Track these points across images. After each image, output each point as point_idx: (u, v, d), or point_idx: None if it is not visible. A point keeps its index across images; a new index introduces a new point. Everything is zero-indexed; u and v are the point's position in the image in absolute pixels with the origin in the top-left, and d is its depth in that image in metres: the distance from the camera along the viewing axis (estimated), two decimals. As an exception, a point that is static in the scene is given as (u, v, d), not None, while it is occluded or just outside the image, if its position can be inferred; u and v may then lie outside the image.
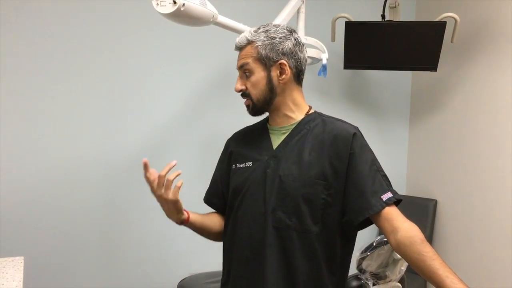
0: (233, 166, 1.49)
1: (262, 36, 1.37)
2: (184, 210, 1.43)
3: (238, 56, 1.41)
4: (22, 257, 1.86)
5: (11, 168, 2.20)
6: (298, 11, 2.30)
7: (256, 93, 1.38)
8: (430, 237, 2.73)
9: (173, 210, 1.40)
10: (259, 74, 1.37)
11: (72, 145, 2.30)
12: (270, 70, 1.37)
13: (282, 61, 1.37)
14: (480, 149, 2.48)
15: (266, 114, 1.53)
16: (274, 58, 1.36)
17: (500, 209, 2.35)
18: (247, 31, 1.39)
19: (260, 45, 1.36)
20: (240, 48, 1.40)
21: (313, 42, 2.29)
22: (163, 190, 1.37)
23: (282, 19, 2.08)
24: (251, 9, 2.54)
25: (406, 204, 2.78)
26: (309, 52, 2.24)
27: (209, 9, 1.58)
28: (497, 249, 2.36)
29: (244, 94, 1.40)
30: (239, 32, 1.86)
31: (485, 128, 2.45)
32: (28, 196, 2.23)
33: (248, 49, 1.37)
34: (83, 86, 2.31)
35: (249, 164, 1.44)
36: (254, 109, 1.41)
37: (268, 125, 1.50)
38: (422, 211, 2.77)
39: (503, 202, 2.33)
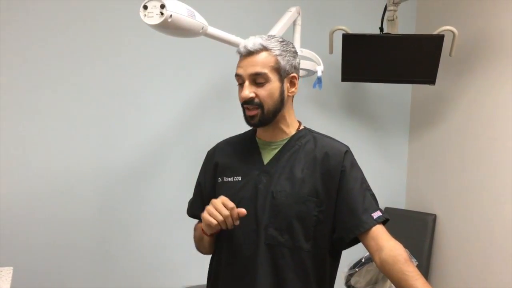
0: (219, 179, 1.46)
1: (278, 46, 1.34)
2: None
3: (246, 61, 1.32)
4: (11, 268, 1.84)
5: (1, 175, 2.20)
6: (294, 23, 2.29)
7: (270, 103, 1.33)
8: (429, 252, 2.69)
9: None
10: (275, 84, 1.33)
11: (66, 153, 2.30)
12: (283, 82, 1.36)
13: (294, 74, 1.38)
14: (480, 163, 2.45)
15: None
16: (288, 70, 1.36)
17: (501, 224, 2.30)
18: (256, 37, 1.34)
19: (279, 55, 1.33)
20: (251, 52, 1.32)
21: (308, 54, 2.28)
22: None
23: (277, 30, 2.07)
24: (245, 20, 2.54)
25: (405, 219, 2.78)
26: (305, 64, 2.23)
27: (198, 21, 1.57)
28: (498, 265, 2.31)
29: (252, 102, 1.32)
30: (231, 44, 1.86)
31: (485, 141, 2.42)
32: (19, 204, 2.23)
33: (265, 56, 1.31)
34: (79, 94, 2.31)
35: (238, 178, 1.41)
36: (261, 120, 1.34)
37: (256, 138, 1.47)
38: (421, 226, 2.73)
39: (504, 217, 2.29)
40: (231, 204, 1.26)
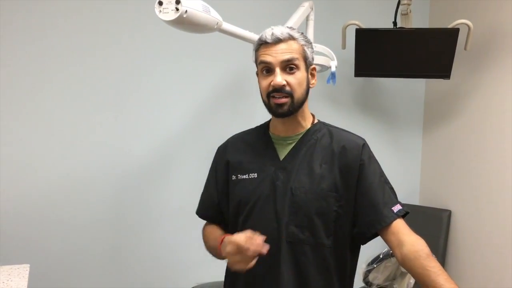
0: (233, 177, 1.43)
1: (301, 36, 1.34)
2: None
3: (275, 49, 1.30)
4: (28, 265, 1.85)
5: (19, 175, 2.21)
6: (307, 18, 2.27)
7: (299, 91, 1.32)
8: (444, 249, 2.66)
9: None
10: (303, 73, 1.33)
11: (80, 152, 2.31)
12: (308, 72, 1.36)
13: (314, 66, 1.39)
14: (495, 158, 2.42)
15: (262, 121, 1.50)
16: (311, 61, 1.36)
17: (517, 221, 2.28)
18: (279, 26, 1.34)
19: (304, 44, 1.33)
20: (280, 40, 1.30)
21: (322, 49, 2.26)
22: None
23: (290, 26, 2.06)
24: (258, 16, 2.52)
25: (419, 215, 2.76)
26: (318, 60, 2.21)
27: (213, 16, 1.56)
28: (514, 262, 2.29)
29: (283, 90, 1.30)
30: (245, 39, 1.85)
31: (501, 136, 2.39)
32: (35, 203, 2.24)
33: (293, 45, 1.31)
34: (88, 94, 2.31)
35: (254, 175, 1.39)
36: (291, 109, 1.32)
37: (270, 133, 1.45)
38: (436, 222, 2.71)
39: (520, 214, 2.27)
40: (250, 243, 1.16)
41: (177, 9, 1.42)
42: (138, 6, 2.33)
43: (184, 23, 1.47)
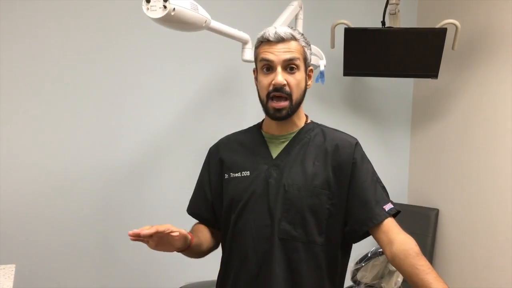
0: (226, 175, 1.43)
1: (302, 37, 1.35)
2: (188, 233, 1.34)
3: (278, 47, 1.30)
4: (14, 265, 1.83)
5: (4, 172, 2.18)
6: (296, 17, 2.27)
7: (297, 93, 1.33)
8: (431, 247, 2.68)
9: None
10: (302, 74, 1.34)
11: (69, 150, 2.29)
12: (306, 73, 1.36)
13: (311, 67, 1.40)
14: (483, 157, 2.44)
15: (252, 119, 1.50)
16: (309, 62, 1.37)
17: (504, 219, 2.30)
18: (283, 27, 1.34)
19: (304, 46, 1.34)
20: (283, 39, 1.30)
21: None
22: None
23: (279, 24, 2.06)
24: (247, 14, 2.52)
25: (408, 213, 2.77)
26: (307, 59, 2.21)
27: (201, 14, 1.55)
28: (501, 259, 2.31)
29: (282, 90, 1.30)
30: (233, 38, 1.84)
31: (488, 135, 2.41)
32: (21, 203, 2.22)
33: (295, 45, 1.32)
34: (79, 91, 2.30)
35: (247, 173, 1.39)
36: (289, 112, 1.33)
37: (262, 132, 1.46)
38: (424, 221, 2.72)
39: (506, 211, 2.29)
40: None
41: (165, 7, 1.41)
42: (127, 6, 2.32)
43: (172, 21, 1.45)
